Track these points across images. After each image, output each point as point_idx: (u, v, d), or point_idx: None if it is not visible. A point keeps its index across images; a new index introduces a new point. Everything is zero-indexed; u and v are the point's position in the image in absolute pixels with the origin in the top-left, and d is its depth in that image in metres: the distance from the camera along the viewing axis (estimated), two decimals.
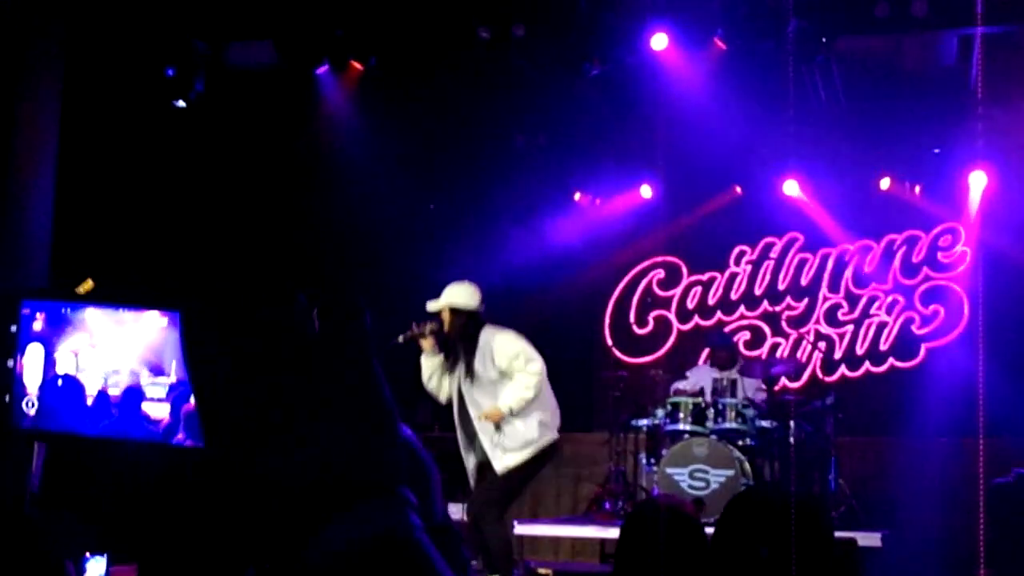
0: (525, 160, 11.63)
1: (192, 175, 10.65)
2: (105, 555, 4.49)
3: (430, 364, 7.43)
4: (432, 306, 7.35)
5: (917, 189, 11.24)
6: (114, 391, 1.06)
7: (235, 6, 9.50)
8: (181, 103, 10.05)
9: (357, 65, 10.18)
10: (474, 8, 9.54)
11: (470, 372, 7.22)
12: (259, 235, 10.70)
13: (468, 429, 7.31)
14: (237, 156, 10.78)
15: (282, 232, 10.94)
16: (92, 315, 1.09)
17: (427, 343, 7.38)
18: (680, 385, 9.81)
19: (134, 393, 1.05)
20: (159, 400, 1.07)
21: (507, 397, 7.14)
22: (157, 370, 1.07)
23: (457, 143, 11.29)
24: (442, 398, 7.53)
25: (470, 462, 7.38)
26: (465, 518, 9.84)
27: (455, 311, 7.28)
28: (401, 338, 7.36)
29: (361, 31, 9.89)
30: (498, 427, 7.17)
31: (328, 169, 10.97)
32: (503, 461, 7.17)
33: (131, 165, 10.10)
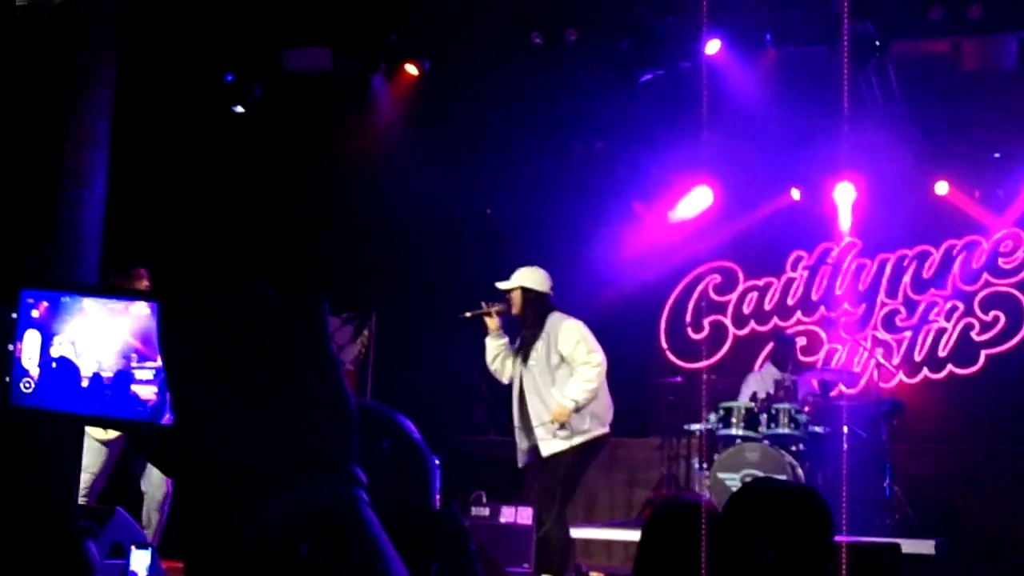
0: (582, 166, 11.66)
1: (247, 179, 10.81)
2: (150, 548, 4.57)
3: (495, 345, 7.51)
4: (503, 285, 7.43)
5: (977, 194, 11.11)
6: (107, 374, 1.11)
7: (291, 12, 9.63)
8: (239, 108, 10.22)
9: (411, 70, 10.28)
10: (527, 13, 9.59)
11: (532, 354, 7.28)
12: (307, 240, 10.83)
13: (524, 411, 7.35)
14: (293, 161, 10.92)
15: (332, 238, 11.07)
16: (88, 304, 1.14)
17: (493, 323, 7.47)
18: (747, 387, 9.74)
19: (124, 376, 1.09)
20: (147, 382, 1.12)
21: (572, 390, 7.15)
22: (145, 355, 1.12)
23: (512, 149, 11.34)
24: (504, 379, 7.59)
25: (523, 443, 7.42)
26: (528, 521, 9.95)
27: (526, 292, 7.35)
28: (469, 313, 7.53)
29: (415, 36, 9.99)
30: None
31: (384, 175, 11.07)
32: (551, 446, 7.21)
33: (185, 168, 10.27)
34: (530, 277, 7.40)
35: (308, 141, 10.87)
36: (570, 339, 7.22)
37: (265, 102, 10.36)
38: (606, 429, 7.35)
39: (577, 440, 7.22)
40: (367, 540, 0.95)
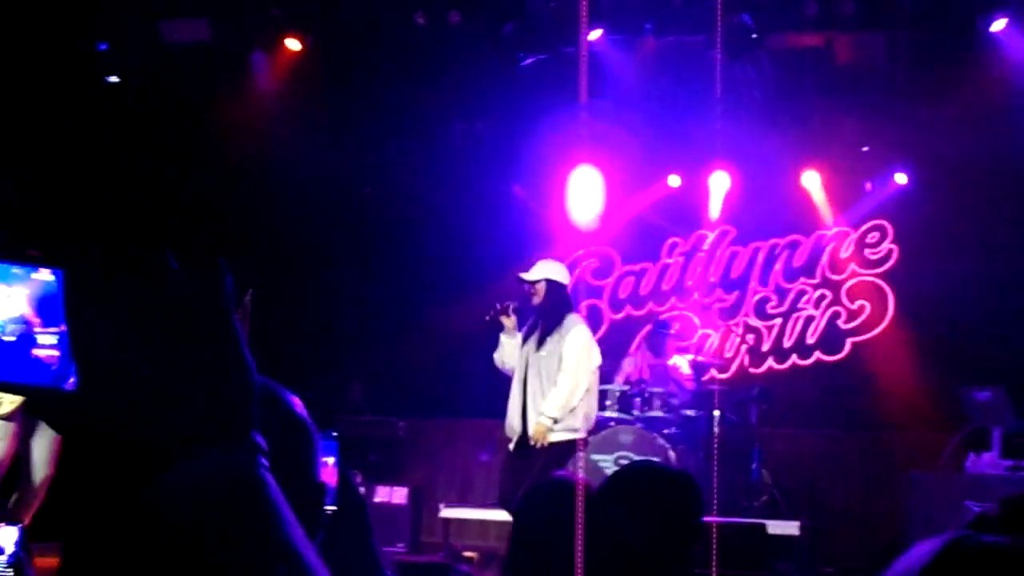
0: (463, 147, 11.66)
1: (122, 151, 10.55)
2: (19, 526, 4.42)
3: (512, 344, 7.66)
4: (529, 276, 7.60)
5: (846, 186, 11.41)
6: (8, 338, 1.08)
7: None
8: (114, 78, 9.97)
9: (292, 46, 10.16)
10: None
11: (547, 343, 7.44)
12: (181, 215, 10.62)
13: (524, 398, 7.51)
14: (170, 134, 10.70)
15: (208, 214, 10.88)
16: None
17: (510, 322, 7.67)
18: (622, 371, 9.88)
19: (26, 340, 1.06)
20: (50, 347, 1.09)
21: (548, 407, 7.34)
22: (48, 320, 1.08)
23: (393, 129, 11.29)
24: (508, 369, 7.77)
25: (516, 431, 7.56)
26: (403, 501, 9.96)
27: (551, 283, 7.53)
28: (488, 317, 7.74)
29: (297, 11, 9.86)
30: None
31: (263, 151, 10.91)
32: (545, 437, 7.37)
33: (56, 138, 9.99)
34: (554, 270, 7.66)
35: (186, 114, 10.65)
36: (575, 344, 7.39)
37: (142, 73, 10.12)
38: (585, 434, 7.54)
39: (565, 436, 7.37)
40: (269, 506, 0.97)
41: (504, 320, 7.67)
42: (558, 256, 11.90)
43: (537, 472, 7.26)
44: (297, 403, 1.62)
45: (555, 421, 7.35)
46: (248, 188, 11.10)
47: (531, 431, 7.38)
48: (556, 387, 7.35)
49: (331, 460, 2.28)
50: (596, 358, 7.52)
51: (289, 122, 10.70)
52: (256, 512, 0.97)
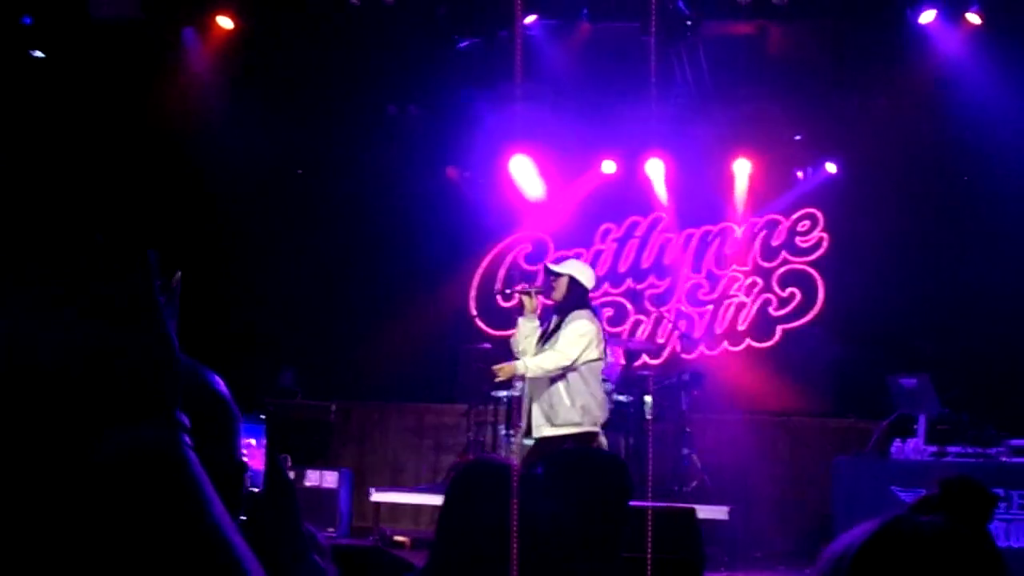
0: (397, 130, 11.58)
1: (46, 126, 10.36)
2: None
3: (530, 327, 7.51)
4: (557, 268, 7.51)
5: (778, 174, 11.51)
6: None
7: None
8: (39, 53, 9.77)
9: (224, 24, 10.02)
10: None
11: (549, 339, 7.35)
12: (109, 194, 10.46)
13: (533, 389, 7.47)
14: (97, 109, 10.51)
15: (138, 193, 10.73)
16: None
17: (531, 304, 7.51)
18: None
19: None
20: None
21: (532, 360, 7.27)
22: None
23: (327, 110, 11.19)
24: (520, 353, 7.63)
25: (526, 423, 7.57)
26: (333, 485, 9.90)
27: (573, 282, 7.40)
28: (508, 291, 7.78)
29: None
30: (551, 402, 7.30)
31: (193, 130, 10.77)
32: (541, 430, 7.34)
33: None
34: (581, 270, 7.54)
35: (114, 92, 10.47)
36: (570, 331, 7.27)
37: (70, 48, 9.92)
38: (595, 428, 7.40)
39: (564, 431, 7.29)
40: (191, 482, 0.98)
41: (526, 301, 7.54)
42: (491, 237, 11.98)
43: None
44: (219, 382, 1.62)
45: (523, 369, 7.29)
46: (178, 167, 10.96)
47: (536, 417, 7.37)
48: (549, 351, 7.27)
49: (253, 442, 2.25)
50: (593, 352, 7.33)
51: (220, 102, 10.56)
52: (177, 488, 0.97)
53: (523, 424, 7.64)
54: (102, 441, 0.95)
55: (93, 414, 0.95)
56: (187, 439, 1.00)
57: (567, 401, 7.31)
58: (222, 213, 11.16)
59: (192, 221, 10.98)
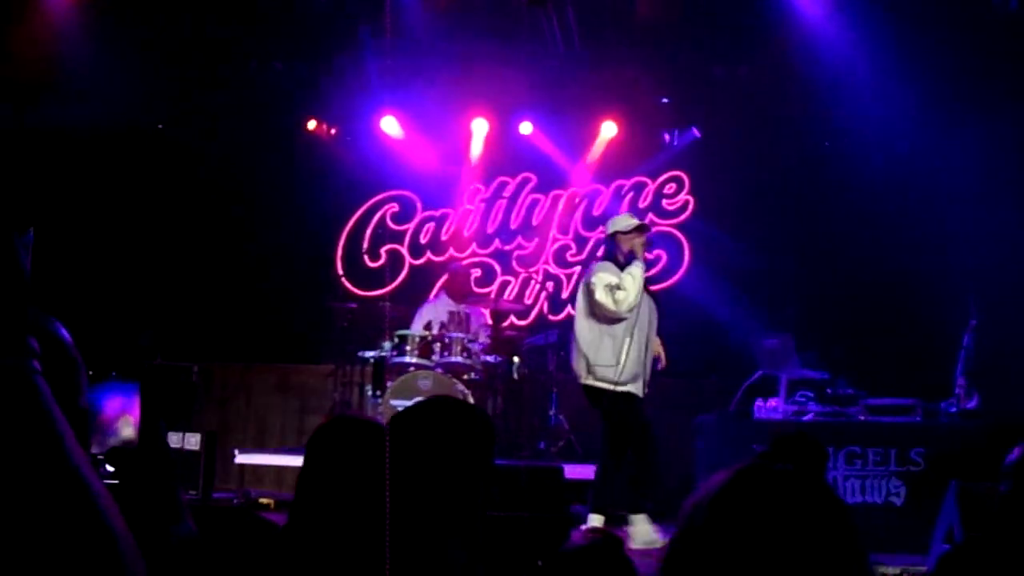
0: (260, 86, 11.32)
1: None
2: None
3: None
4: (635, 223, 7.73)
5: (645, 137, 11.60)
6: None
7: None
8: None
9: None
10: None
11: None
12: None
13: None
14: None
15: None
16: None
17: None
18: (421, 317, 9.78)
19: None
20: None
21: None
22: None
23: (189, 65, 10.89)
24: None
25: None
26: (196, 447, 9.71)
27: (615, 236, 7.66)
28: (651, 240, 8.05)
29: None
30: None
31: (53, 83, 10.37)
32: (585, 379, 7.66)
33: None
34: (614, 222, 7.79)
35: None
36: (600, 276, 7.56)
37: None
38: (632, 388, 7.68)
39: (594, 382, 7.60)
40: (41, 408, 1.00)
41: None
42: (359, 197, 11.83)
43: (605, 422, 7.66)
44: (61, 328, 1.59)
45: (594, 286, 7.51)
46: (36, 117, 10.54)
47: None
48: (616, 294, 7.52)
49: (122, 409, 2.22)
50: (611, 304, 7.56)
51: (81, 50, 10.18)
52: (30, 410, 0.99)
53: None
54: None
55: None
56: (38, 366, 1.02)
57: (602, 357, 7.69)
58: (80, 169, 10.79)
59: (48, 178, 10.59)
